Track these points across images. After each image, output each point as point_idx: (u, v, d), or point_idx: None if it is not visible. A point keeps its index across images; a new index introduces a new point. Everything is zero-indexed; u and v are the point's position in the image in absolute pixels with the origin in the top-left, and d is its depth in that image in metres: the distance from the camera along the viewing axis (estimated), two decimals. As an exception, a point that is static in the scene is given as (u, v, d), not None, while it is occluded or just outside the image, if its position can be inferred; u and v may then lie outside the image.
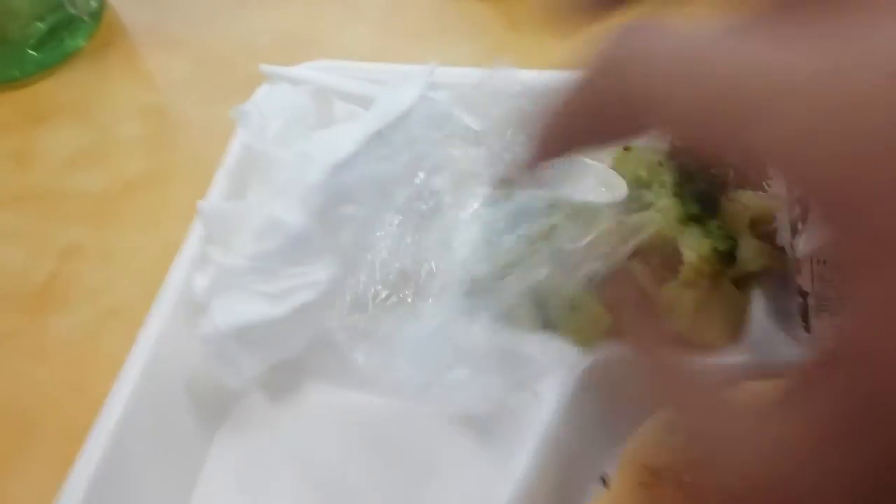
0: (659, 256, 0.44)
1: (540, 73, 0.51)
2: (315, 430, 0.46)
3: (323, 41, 0.64)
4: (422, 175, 0.45)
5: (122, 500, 0.41)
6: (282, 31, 0.64)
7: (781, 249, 0.43)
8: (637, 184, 0.46)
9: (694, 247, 0.42)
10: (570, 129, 0.24)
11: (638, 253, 0.43)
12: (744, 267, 0.42)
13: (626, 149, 0.47)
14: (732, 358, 0.41)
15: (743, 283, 0.43)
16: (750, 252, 0.42)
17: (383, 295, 0.44)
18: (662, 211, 0.43)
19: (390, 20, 0.73)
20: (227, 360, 0.42)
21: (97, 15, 0.77)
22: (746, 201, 0.43)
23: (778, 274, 0.44)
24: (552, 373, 0.41)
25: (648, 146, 0.47)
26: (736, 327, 0.42)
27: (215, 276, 0.45)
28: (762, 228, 0.44)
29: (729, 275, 0.43)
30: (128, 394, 0.42)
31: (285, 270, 0.44)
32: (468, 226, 0.47)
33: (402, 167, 0.45)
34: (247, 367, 0.43)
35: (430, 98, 0.47)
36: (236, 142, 0.54)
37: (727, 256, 0.42)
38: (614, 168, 0.46)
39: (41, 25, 0.73)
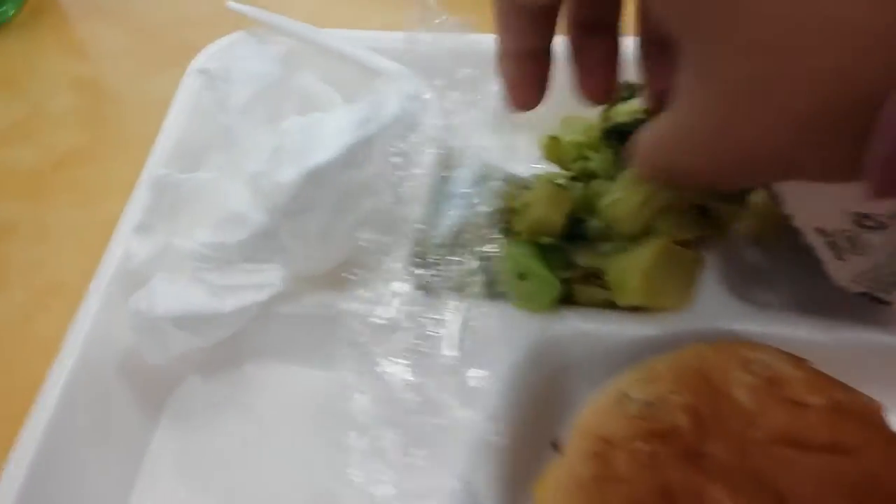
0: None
1: (490, 37, 0.51)
2: (259, 409, 0.45)
3: (265, 6, 0.61)
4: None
5: (61, 489, 0.39)
6: (220, -1, 0.62)
7: (719, 219, 0.44)
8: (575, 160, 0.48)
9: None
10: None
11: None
12: (678, 234, 0.42)
13: (554, 139, 0.49)
14: (683, 323, 0.41)
15: (691, 249, 0.43)
16: (685, 218, 0.42)
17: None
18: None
19: (334, -16, 0.71)
20: (155, 337, 0.40)
21: (25, -18, 0.73)
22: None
23: (726, 242, 0.44)
24: (503, 341, 0.41)
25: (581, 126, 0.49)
26: (687, 292, 0.42)
27: (160, 251, 0.43)
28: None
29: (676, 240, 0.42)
30: (64, 378, 0.41)
31: (238, 266, 0.42)
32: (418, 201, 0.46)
33: (371, 176, 0.44)
34: (173, 347, 0.41)
35: (407, 105, 0.46)
36: (186, 103, 0.52)
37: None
38: (544, 154, 0.48)
39: (-35, -6, 0.69)
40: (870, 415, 0.34)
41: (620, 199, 0.41)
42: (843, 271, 0.39)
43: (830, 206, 0.36)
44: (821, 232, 0.38)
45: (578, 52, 0.36)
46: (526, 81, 0.35)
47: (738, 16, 0.20)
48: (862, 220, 0.35)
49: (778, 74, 0.20)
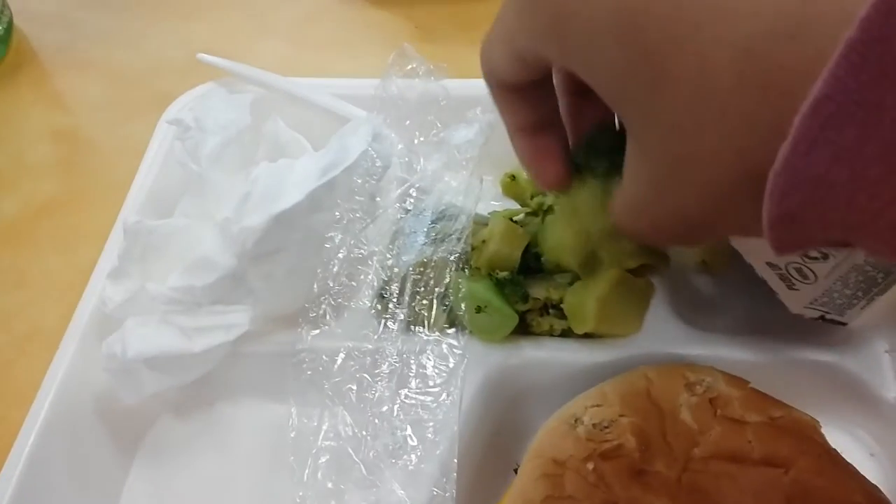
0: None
1: (458, 81, 0.54)
2: (231, 446, 0.46)
3: (235, 56, 0.64)
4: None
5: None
6: (194, 49, 0.64)
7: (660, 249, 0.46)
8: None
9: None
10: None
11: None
12: (624, 264, 0.44)
13: (512, 177, 0.53)
14: (634, 349, 0.43)
15: (641, 277, 0.45)
16: (630, 250, 0.44)
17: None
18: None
19: (301, 33, 0.74)
20: (129, 379, 0.42)
21: (5, 38, 0.75)
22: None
23: (675, 269, 0.47)
24: (464, 371, 0.43)
25: None
26: (638, 318, 0.44)
27: (132, 295, 0.45)
28: None
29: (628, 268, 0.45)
30: (40, 421, 0.42)
31: (207, 308, 0.44)
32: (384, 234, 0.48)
33: (337, 216, 0.46)
34: (147, 387, 0.43)
35: (373, 148, 0.48)
36: (160, 152, 0.54)
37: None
38: (504, 192, 0.52)
39: (-53, 49, 0.72)
40: (804, 430, 0.36)
41: (557, 234, 0.44)
42: (796, 300, 0.41)
43: None
44: (771, 266, 0.40)
45: (573, 117, 0.37)
46: (542, 154, 0.35)
47: (661, 106, 0.23)
48: (806, 252, 0.37)
49: (693, 154, 0.23)
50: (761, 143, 0.20)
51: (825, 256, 0.36)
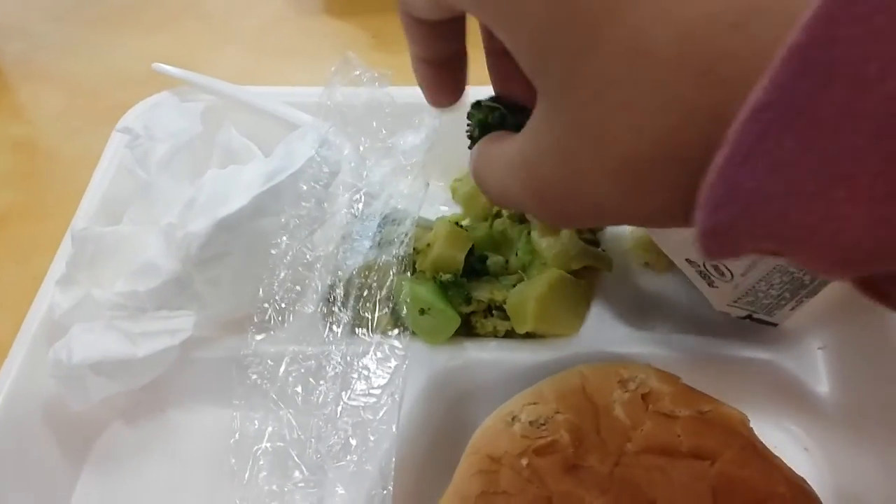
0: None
1: (404, 89, 0.54)
2: (181, 452, 0.46)
3: (195, 66, 0.64)
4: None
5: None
6: (153, 60, 0.64)
7: (602, 252, 0.48)
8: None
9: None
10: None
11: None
12: (566, 266, 0.45)
13: (461, 181, 0.54)
14: (573, 348, 0.44)
15: (581, 279, 0.46)
16: (573, 252, 0.45)
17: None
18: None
19: (260, 42, 0.74)
20: (76, 384, 0.43)
21: (-37, 49, 0.76)
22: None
23: (616, 270, 0.48)
24: (407, 372, 0.43)
25: None
26: (578, 318, 0.45)
27: (79, 302, 0.45)
28: (585, 233, 0.48)
29: (569, 270, 0.46)
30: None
31: (151, 313, 0.44)
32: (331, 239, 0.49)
33: (283, 222, 0.47)
34: (94, 393, 0.43)
35: (320, 154, 0.48)
36: (112, 161, 0.55)
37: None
38: (453, 196, 0.53)
39: None
40: (731, 423, 0.37)
41: None
42: (718, 297, 0.42)
43: (691, 239, 0.39)
44: (690, 262, 0.41)
45: (500, 79, 0.34)
46: (438, 85, 0.34)
47: (584, 73, 0.22)
48: None
49: (612, 127, 0.21)
50: (691, 127, 0.20)
51: None
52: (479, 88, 0.33)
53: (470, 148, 0.31)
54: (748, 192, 0.18)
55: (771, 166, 0.18)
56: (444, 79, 0.34)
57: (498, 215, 0.51)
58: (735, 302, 0.42)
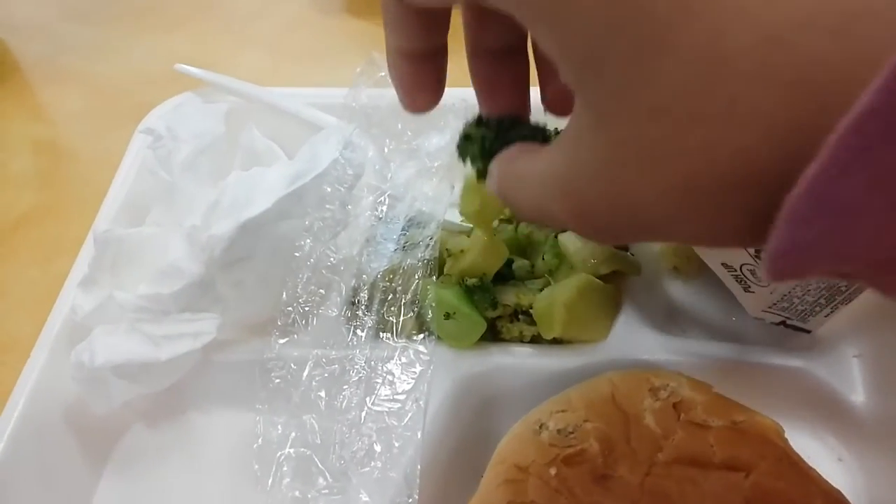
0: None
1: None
2: (202, 455, 0.46)
3: (216, 67, 0.64)
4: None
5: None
6: (174, 60, 0.64)
7: (631, 256, 0.47)
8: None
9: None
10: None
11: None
12: (595, 270, 0.44)
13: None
14: (601, 354, 0.43)
15: (609, 283, 0.45)
16: (601, 257, 0.44)
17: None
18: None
19: (281, 43, 0.74)
20: (98, 387, 0.42)
21: (-13, 50, 0.76)
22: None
23: (645, 275, 0.47)
24: (433, 377, 0.43)
25: None
26: (606, 324, 0.45)
27: (101, 304, 0.45)
28: None
29: (597, 274, 0.45)
30: (9, 431, 0.42)
31: (174, 316, 0.44)
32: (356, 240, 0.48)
33: (307, 225, 0.46)
34: (116, 396, 0.43)
35: (344, 156, 0.48)
36: (135, 161, 0.55)
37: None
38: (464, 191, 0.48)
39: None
40: (765, 434, 0.36)
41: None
42: (754, 302, 0.41)
43: None
44: (726, 266, 0.41)
45: (485, 84, 0.33)
46: (417, 83, 0.31)
47: (645, 80, 0.19)
48: (760, 253, 0.37)
49: (674, 142, 0.19)
50: (772, 145, 0.18)
51: None
52: (466, 90, 0.32)
53: (480, 172, 0.30)
54: (842, 208, 0.17)
55: (872, 180, 0.16)
56: (424, 76, 0.31)
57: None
58: (770, 308, 0.41)
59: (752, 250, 0.38)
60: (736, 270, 0.40)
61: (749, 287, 0.40)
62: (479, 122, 0.31)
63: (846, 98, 0.16)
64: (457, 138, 0.47)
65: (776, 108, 0.18)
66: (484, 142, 0.30)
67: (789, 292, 0.39)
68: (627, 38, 0.19)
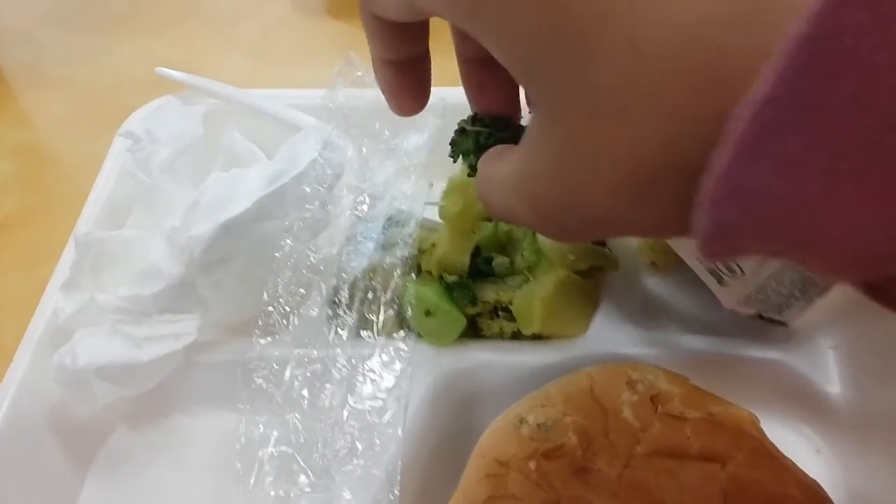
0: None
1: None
2: (187, 456, 0.46)
3: (198, 70, 0.64)
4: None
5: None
6: (156, 64, 0.64)
7: (609, 251, 0.47)
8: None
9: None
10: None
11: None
12: (573, 266, 0.45)
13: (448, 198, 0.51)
14: (580, 349, 0.43)
15: (587, 279, 0.46)
16: (579, 252, 0.44)
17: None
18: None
19: (261, 46, 0.74)
20: (80, 389, 0.42)
21: (-32, 56, 0.76)
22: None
23: (622, 271, 0.47)
24: (413, 374, 0.43)
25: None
26: (585, 319, 0.45)
27: (83, 306, 0.45)
28: None
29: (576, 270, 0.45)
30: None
31: (156, 317, 0.44)
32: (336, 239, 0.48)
33: (287, 225, 0.46)
34: (99, 398, 0.43)
35: (323, 157, 0.48)
36: (115, 165, 0.55)
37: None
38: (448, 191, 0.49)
39: None
40: (741, 425, 0.37)
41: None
42: (728, 295, 0.42)
43: None
44: (700, 260, 0.41)
45: (474, 88, 0.34)
46: (402, 89, 0.33)
47: (579, 85, 0.21)
48: None
49: (611, 140, 0.21)
50: (693, 136, 0.19)
51: None
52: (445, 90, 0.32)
53: (473, 168, 0.30)
54: (750, 193, 0.18)
55: (776, 165, 0.17)
56: (408, 82, 0.33)
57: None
58: (745, 300, 0.41)
59: None
60: (709, 263, 0.40)
61: (723, 280, 0.40)
62: (475, 119, 0.31)
63: (748, 86, 0.17)
64: (436, 137, 0.47)
65: (691, 99, 0.19)
66: (479, 137, 0.30)
67: (763, 284, 0.40)
68: (559, 46, 0.21)
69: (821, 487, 0.36)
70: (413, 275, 0.46)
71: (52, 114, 0.73)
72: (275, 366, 0.44)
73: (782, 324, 0.43)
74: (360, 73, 0.55)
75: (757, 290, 0.40)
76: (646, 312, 0.46)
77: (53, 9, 0.84)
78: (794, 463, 0.36)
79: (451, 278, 0.45)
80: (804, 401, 0.43)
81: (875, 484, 0.40)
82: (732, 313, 0.43)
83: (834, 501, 0.36)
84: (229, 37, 0.76)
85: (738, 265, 0.38)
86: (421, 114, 0.51)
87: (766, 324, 0.44)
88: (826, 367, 0.43)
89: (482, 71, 0.33)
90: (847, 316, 0.43)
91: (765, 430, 0.38)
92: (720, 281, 0.41)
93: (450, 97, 0.53)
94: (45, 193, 0.66)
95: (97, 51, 0.78)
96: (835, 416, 0.42)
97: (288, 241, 0.46)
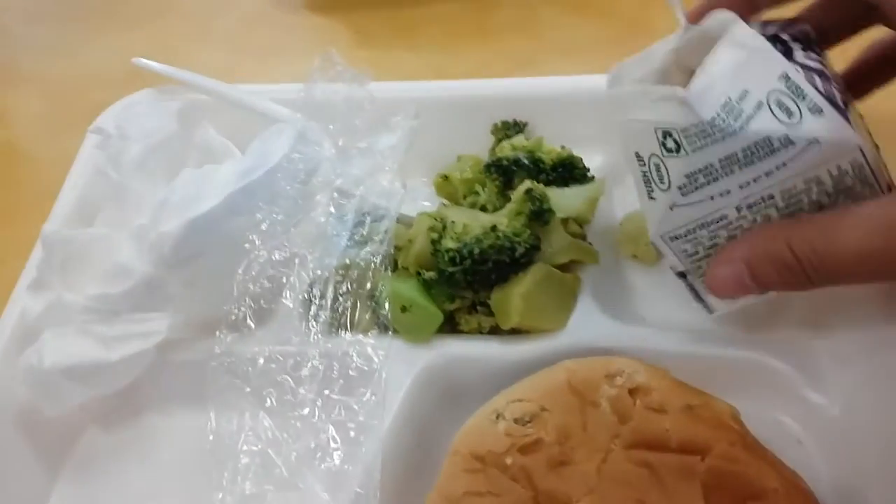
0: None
1: (387, 85, 0.54)
2: (159, 456, 0.45)
3: (176, 64, 0.63)
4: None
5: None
6: (133, 58, 0.63)
7: (589, 245, 0.47)
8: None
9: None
10: None
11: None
12: (552, 260, 0.44)
13: (445, 177, 0.52)
14: (559, 343, 0.43)
15: (567, 272, 0.45)
16: (559, 246, 0.44)
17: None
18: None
19: (240, 40, 0.73)
20: (49, 390, 0.41)
21: (-60, 53, 0.75)
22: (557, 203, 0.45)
23: (603, 264, 0.47)
24: (391, 371, 0.42)
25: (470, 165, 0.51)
26: (564, 313, 0.44)
27: (51, 306, 0.44)
28: (572, 226, 0.47)
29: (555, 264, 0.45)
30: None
31: (124, 316, 0.43)
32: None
33: (258, 220, 0.45)
34: (68, 399, 0.42)
35: (298, 152, 0.48)
36: (87, 162, 0.54)
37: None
38: (437, 192, 0.51)
39: None
40: (720, 417, 0.36)
41: None
42: (652, 215, 0.39)
43: (646, 127, 0.36)
44: (637, 158, 0.38)
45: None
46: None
47: None
48: (665, 139, 0.35)
49: None
50: None
51: (678, 149, 0.35)
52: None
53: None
54: None
55: None
56: None
57: (483, 209, 0.50)
58: (667, 235, 0.39)
59: (659, 136, 0.36)
60: (644, 164, 0.37)
61: (652, 191, 0.38)
62: None
63: None
64: (409, 137, 0.46)
65: None
66: None
67: (686, 224, 0.37)
68: None
69: (801, 478, 0.36)
70: (389, 271, 0.45)
71: (26, 111, 0.72)
72: (247, 363, 0.43)
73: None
74: (338, 69, 0.54)
75: (677, 229, 0.38)
76: (626, 306, 0.46)
77: (28, 5, 0.83)
78: (775, 455, 0.36)
79: (428, 274, 0.44)
80: (785, 392, 0.42)
81: (857, 475, 0.39)
82: (714, 310, 0.42)
83: (816, 492, 0.36)
84: (206, 32, 0.75)
85: (668, 173, 0.36)
86: (396, 113, 0.52)
87: (745, 316, 0.43)
88: (808, 358, 0.42)
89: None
90: (829, 307, 0.43)
91: (746, 422, 0.38)
92: (650, 192, 0.38)
93: (420, 90, 0.53)
94: (17, 191, 0.65)
95: (72, 47, 0.77)
96: (816, 407, 0.42)
97: (259, 237, 0.45)
